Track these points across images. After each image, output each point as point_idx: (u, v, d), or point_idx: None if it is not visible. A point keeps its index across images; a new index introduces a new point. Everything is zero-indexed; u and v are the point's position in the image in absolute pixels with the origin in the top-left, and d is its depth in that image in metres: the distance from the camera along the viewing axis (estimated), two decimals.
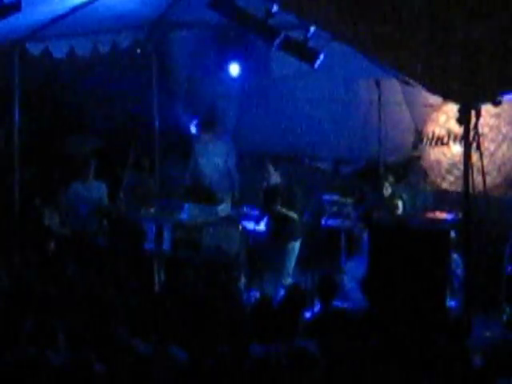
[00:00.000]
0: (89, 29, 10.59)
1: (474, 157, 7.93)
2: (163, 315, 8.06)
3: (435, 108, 11.78)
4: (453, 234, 9.27)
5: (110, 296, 8.96)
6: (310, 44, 8.53)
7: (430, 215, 10.91)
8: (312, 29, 8.40)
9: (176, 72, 13.20)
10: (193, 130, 12.52)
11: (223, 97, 13.06)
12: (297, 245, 10.88)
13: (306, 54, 8.63)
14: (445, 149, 11.83)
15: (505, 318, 9.95)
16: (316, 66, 8.64)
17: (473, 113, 7.56)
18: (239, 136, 12.99)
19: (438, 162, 11.89)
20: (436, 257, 8.61)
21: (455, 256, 9.58)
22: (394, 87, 11.83)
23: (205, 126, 12.37)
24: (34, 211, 11.44)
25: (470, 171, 7.74)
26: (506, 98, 7.78)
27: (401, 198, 11.04)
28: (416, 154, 12.15)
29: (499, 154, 11.41)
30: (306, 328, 8.27)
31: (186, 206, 11.57)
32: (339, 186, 12.28)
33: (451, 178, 11.71)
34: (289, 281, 10.69)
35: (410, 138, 12.29)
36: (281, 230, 10.83)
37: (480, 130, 7.87)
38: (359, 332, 7.87)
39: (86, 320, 7.76)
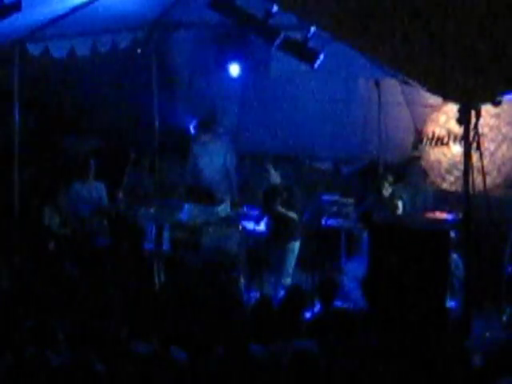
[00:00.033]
0: (89, 29, 10.58)
1: (474, 157, 7.92)
2: (163, 315, 8.06)
3: (435, 108, 11.78)
4: (453, 234, 9.27)
5: (109, 296, 8.97)
6: (310, 44, 8.53)
7: (430, 215, 10.89)
8: (312, 29, 8.39)
9: (176, 72, 13.19)
10: (192, 130, 12.52)
11: (223, 97, 13.05)
12: (297, 245, 10.87)
13: (306, 55, 8.63)
14: (445, 149, 11.83)
15: (505, 318, 9.95)
16: (316, 66, 8.63)
17: (473, 113, 7.56)
18: (239, 136, 12.99)
19: (438, 162, 11.89)
20: (436, 257, 8.60)
21: (455, 256, 9.58)
22: (393, 87, 11.83)
23: (203, 126, 12.36)
24: (34, 211, 11.44)
25: (470, 171, 7.73)
26: (506, 98, 7.77)
27: (401, 198, 11.03)
28: (416, 154, 12.15)
29: (499, 154, 11.41)
30: (306, 328, 8.27)
31: (186, 206, 11.58)
32: (339, 186, 12.28)
33: (451, 178, 11.71)
34: (289, 281, 10.68)
35: (410, 138, 12.29)
36: (281, 230, 10.83)
37: (480, 130, 7.86)
38: (359, 332, 7.87)
39: (85, 320, 7.76)
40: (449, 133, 11.71)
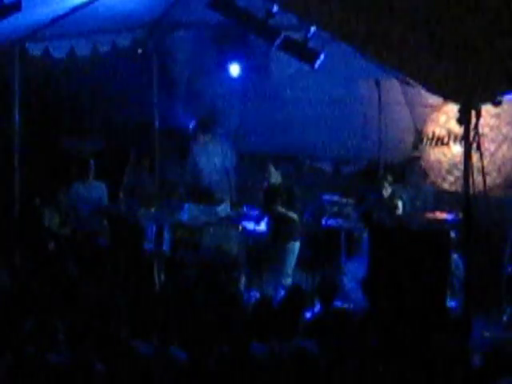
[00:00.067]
0: (89, 29, 10.58)
1: (475, 157, 7.90)
2: (163, 315, 8.06)
3: (435, 108, 11.78)
4: (453, 234, 9.27)
5: (109, 296, 8.96)
6: (310, 44, 8.53)
7: (430, 215, 10.91)
8: (312, 29, 8.39)
9: (176, 72, 13.20)
10: (191, 130, 12.53)
11: (223, 97, 13.06)
12: (297, 245, 10.87)
13: (306, 55, 8.62)
14: (445, 149, 11.83)
15: (505, 318, 9.96)
16: (316, 66, 8.63)
17: (473, 113, 7.55)
18: (239, 136, 12.99)
19: (439, 163, 11.90)
20: (436, 257, 8.60)
21: (455, 256, 9.59)
22: (394, 87, 11.84)
23: (202, 127, 12.37)
24: (34, 211, 11.43)
25: (471, 171, 7.72)
26: (506, 98, 7.77)
27: (401, 198, 11.04)
28: (416, 154, 12.15)
29: (499, 154, 11.41)
30: (306, 328, 8.27)
31: (186, 206, 11.58)
32: (339, 186, 12.28)
33: (451, 179, 11.72)
34: (289, 281, 10.68)
35: (410, 139, 12.29)
36: (281, 231, 10.82)
37: (480, 131, 7.84)
38: (359, 332, 7.87)
39: (86, 320, 7.76)
40: (449, 133, 11.71)
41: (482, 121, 7.67)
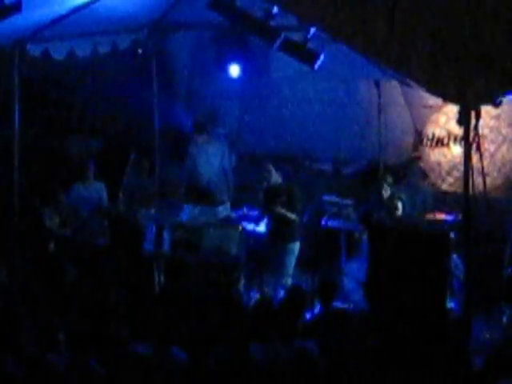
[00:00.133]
0: (89, 30, 10.58)
1: (474, 158, 7.91)
2: (163, 316, 8.06)
3: (435, 109, 11.79)
4: (453, 235, 9.28)
5: (109, 296, 8.97)
6: (310, 45, 8.53)
7: (430, 216, 10.92)
8: (312, 30, 8.39)
9: (176, 72, 13.21)
10: (188, 131, 12.55)
11: (223, 97, 13.07)
12: (297, 246, 10.87)
13: (306, 56, 8.62)
14: (445, 150, 11.84)
15: (505, 319, 9.95)
16: (316, 67, 8.63)
17: (473, 114, 7.56)
18: (239, 136, 13.00)
19: (438, 163, 11.91)
20: (436, 258, 8.60)
21: (455, 257, 9.58)
22: (393, 88, 11.84)
23: (197, 128, 12.36)
24: (34, 212, 11.44)
25: (470, 172, 7.73)
26: (507, 98, 7.78)
27: (400, 199, 11.04)
28: (416, 155, 12.15)
29: (499, 155, 11.42)
30: (306, 329, 8.27)
31: (186, 206, 11.58)
32: (339, 186, 12.29)
33: (451, 179, 11.73)
34: (289, 281, 10.68)
35: (410, 139, 12.30)
36: (281, 231, 10.83)
37: (480, 131, 7.85)
38: (359, 333, 7.87)
39: (85, 321, 7.76)
40: (449, 134, 11.72)
41: (481, 122, 7.68)
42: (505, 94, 7.67)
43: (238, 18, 8.63)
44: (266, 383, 6.97)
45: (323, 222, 11.27)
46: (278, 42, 8.52)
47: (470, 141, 7.68)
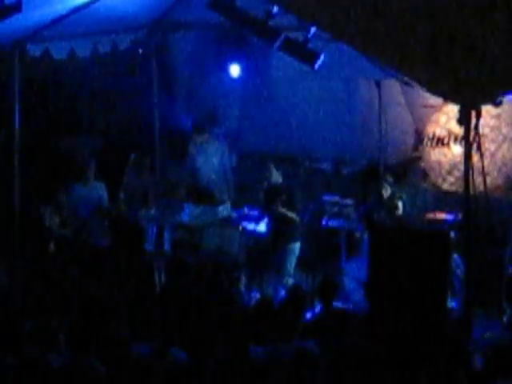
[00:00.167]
0: (89, 30, 10.58)
1: (475, 157, 7.91)
2: (163, 316, 8.06)
3: (436, 109, 11.78)
4: (453, 234, 9.27)
5: (110, 297, 8.96)
6: (310, 45, 8.53)
7: (430, 216, 10.91)
8: (312, 30, 8.39)
9: (176, 72, 13.21)
10: (188, 130, 12.55)
11: (223, 97, 13.07)
12: (297, 245, 10.87)
13: (306, 55, 8.62)
14: (445, 149, 11.84)
15: (505, 318, 9.96)
16: (316, 67, 8.63)
17: (473, 113, 7.55)
18: (239, 136, 12.99)
19: (439, 163, 11.90)
20: (436, 258, 8.59)
21: (456, 257, 9.58)
22: (394, 88, 11.83)
23: (197, 128, 12.36)
24: (34, 212, 11.43)
25: (471, 172, 7.73)
26: (507, 98, 7.77)
27: (401, 198, 11.04)
28: (416, 154, 12.15)
29: (500, 154, 11.41)
30: (307, 329, 8.27)
31: (187, 206, 11.57)
32: (339, 186, 12.28)
33: (451, 179, 11.72)
34: (289, 281, 10.68)
35: (411, 139, 12.29)
36: (281, 231, 10.82)
37: (480, 131, 7.84)
38: (359, 333, 7.86)
39: (86, 321, 7.75)
40: (449, 133, 11.71)
41: (482, 121, 7.68)
42: (505, 93, 7.67)
43: (238, 18, 8.63)
44: (266, 383, 6.97)
45: (323, 222, 11.27)
46: (278, 41, 8.52)
47: (470, 140, 7.68)
